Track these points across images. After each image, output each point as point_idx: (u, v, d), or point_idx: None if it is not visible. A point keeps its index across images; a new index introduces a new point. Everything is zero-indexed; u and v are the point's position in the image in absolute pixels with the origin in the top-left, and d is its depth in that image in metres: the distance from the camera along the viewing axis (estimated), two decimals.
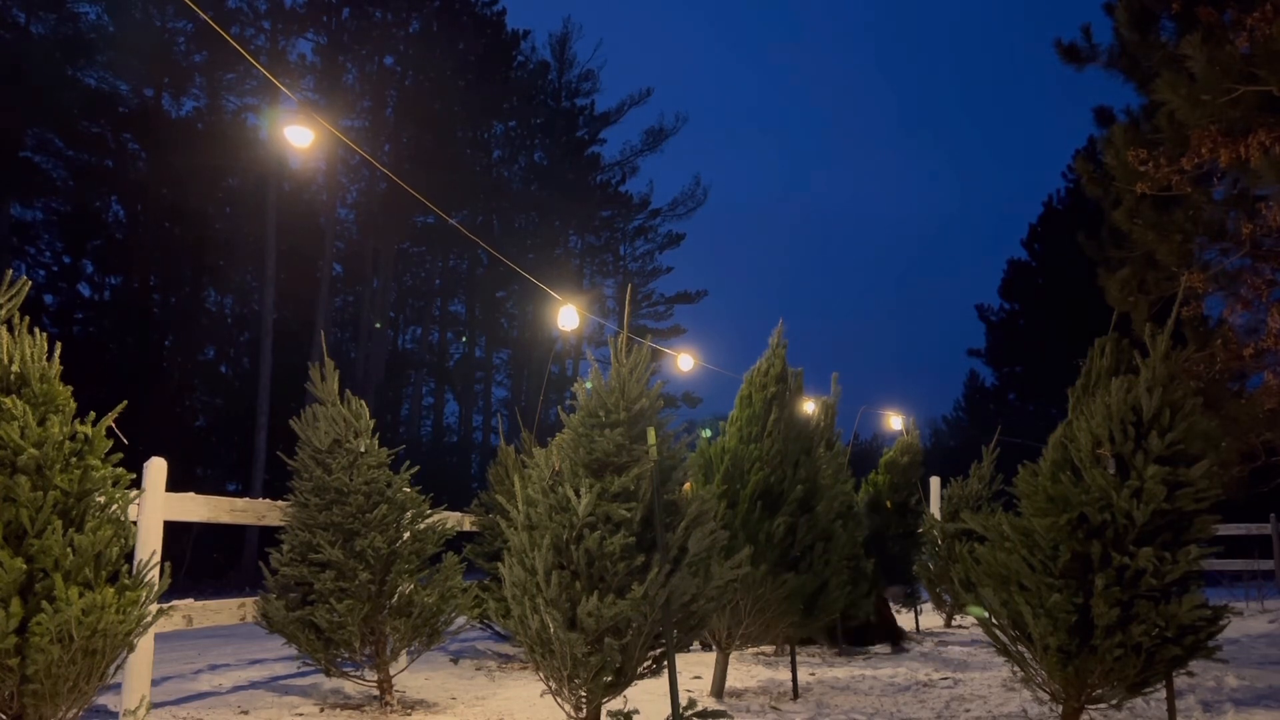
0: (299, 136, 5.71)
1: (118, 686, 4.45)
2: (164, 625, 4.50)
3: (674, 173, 42.28)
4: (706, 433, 6.69)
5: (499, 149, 36.73)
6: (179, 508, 4.85)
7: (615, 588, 3.78)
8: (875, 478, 10.27)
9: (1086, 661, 3.99)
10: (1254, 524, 12.61)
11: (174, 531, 5.24)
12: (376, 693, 5.36)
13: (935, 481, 11.74)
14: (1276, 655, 7.40)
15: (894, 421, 12.64)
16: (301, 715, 5.12)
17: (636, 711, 4.12)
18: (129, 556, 3.53)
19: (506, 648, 7.83)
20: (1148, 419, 4.04)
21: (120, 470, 3.55)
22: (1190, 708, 5.14)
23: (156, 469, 4.69)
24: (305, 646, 5.03)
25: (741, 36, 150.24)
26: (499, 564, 4.19)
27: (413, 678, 6.33)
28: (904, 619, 11.17)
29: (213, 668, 6.81)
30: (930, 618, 11.19)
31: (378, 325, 28.38)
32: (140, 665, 4.49)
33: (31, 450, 3.22)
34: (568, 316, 8.30)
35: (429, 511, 5.46)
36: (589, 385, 4.15)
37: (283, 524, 5.23)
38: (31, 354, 3.41)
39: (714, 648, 5.76)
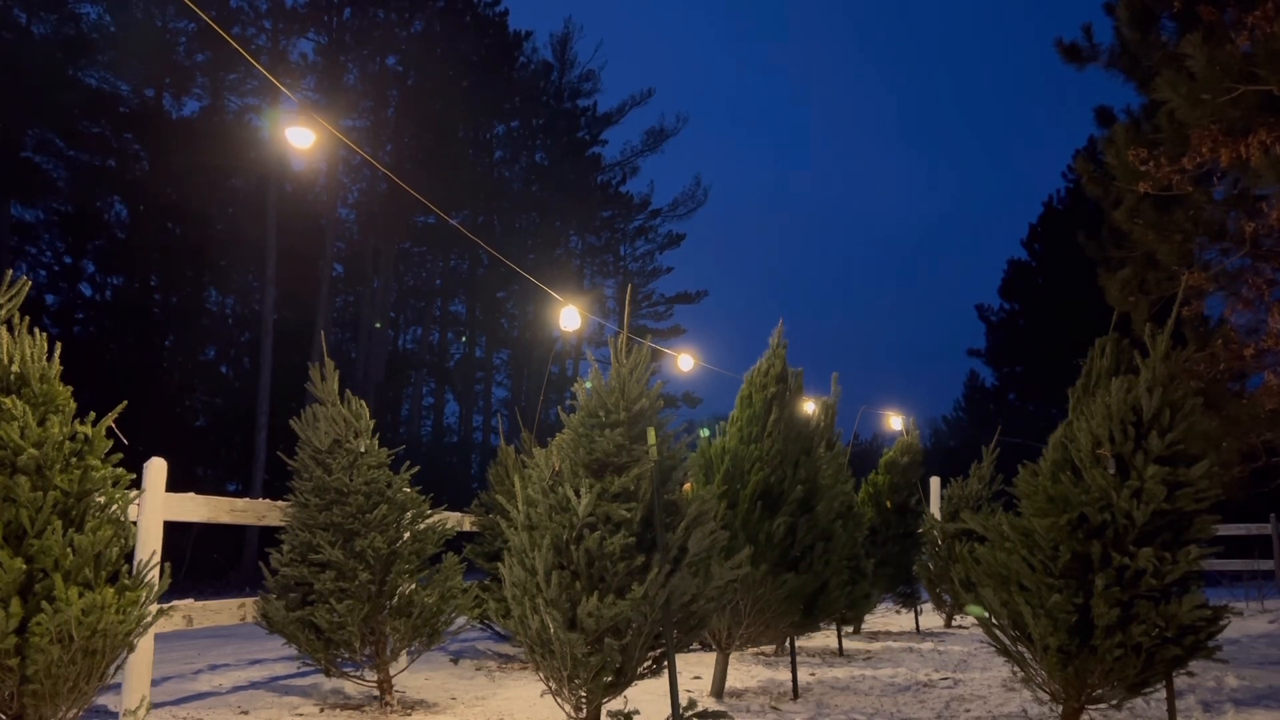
0: (300, 137, 5.71)
1: (118, 686, 4.45)
2: (164, 625, 4.50)
3: (674, 173, 42.33)
4: (706, 433, 6.69)
5: (500, 149, 36.75)
6: (179, 508, 4.85)
7: (615, 588, 3.78)
8: (875, 478, 10.27)
9: (1086, 661, 3.99)
10: (1254, 524, 12.61)
11: (174, 531, 5.24)
12: (376, 693, 5.36)
13: (935, 481, 11.74)
14: (1276, 655, 7.40)
15: (894, 421, 12.64)
16: (301, 715, 5.12)
17: (637, 712, 4.12)
18: (129, 556, 3.54)
19: (506, 648, 7.83)
20: (1148, 419, 4.04)
21: (120, 470, 3.55)
22: (1190, 708, 5.14)
23: (156, 469, 4.69)
24: (305, 647, 5.03)
25: (742, 36, 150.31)
26: (499, 564, 4.19)
27: (413, 678, 6.33)
28: (904, 619, 11.18)
29: (213, 668, 6.81)
30: (930, 618, 11.19)
31: (378, 325, 28.38)
32: (140, 665, 4.49)
33: (31, 450, 3.22)
34: (568, 317, 8.30)
35: (429, 512, 5.47)
36: (589, 385, 4.15)
37: (283, 524, 5.23)
38: (31, 354, 3.42)
39: (714, 648, 5.76)
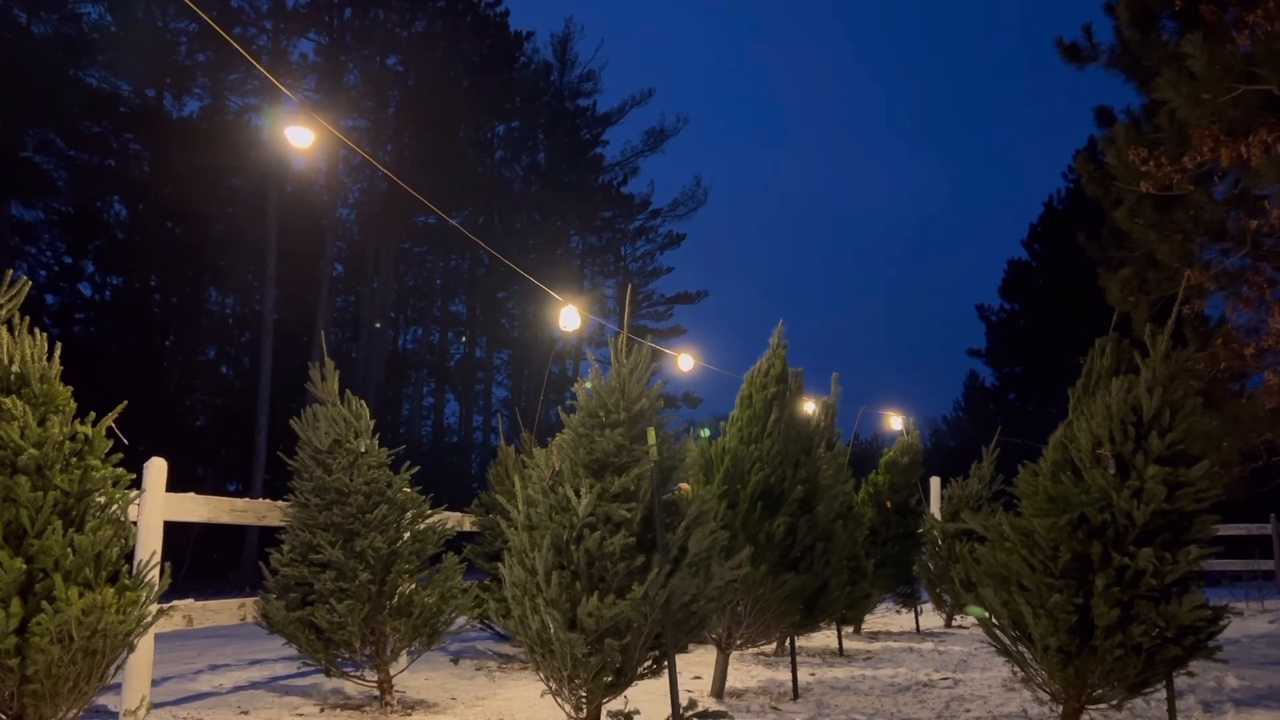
0: (300, 137, 5.71)
1: (118, 686, 4.45)
2: (164, 625, 4.50)
3: (675, 173, 42.30)
4: (705, 433, 6.69)
5: (501, 149, 36.75)
6: (179, 508, 4.85)
7: (615, 588, 3.78)
8: (875, 478, 10.27)
9: (1087, 662, 3.98)
10: (1254, 524, 12.61)
11: (174, 531, 5.24)
12: (377, 693, 5.36)
13: (935, 481, 11.74)
14: (1276, 655, 7.40)
15: (894, 421, 12.64)
16: (301, 715, 5.12)
17: (637, 711, 4.12)
18: (129, 557, 3.54)
19: (506, 648, 7.83)
20: (1148, 419, 4.04)
21: (120, 470, 3.55)
22: (1190, 708, 5.14)
23: (156, 469, 4.69)
24: (305, 647, 5.03)
25: (742, 36, 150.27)
26: (499, 564, 4.19)
27: (413, 678, 6.33)
28: (904, 619, 11.18)
29: (213, 668, 6.81)
30: (930, 618, 11.19)
31: (378, 325, 28.38)
32: (140, 665, 4.49)
33: (31, 450, 3.22)
34: (569, 317, 8.30)
35: (429, 512, 5.47)
36: (589, 385, 4.15)
37: (283, 524, 5.23)
38: (32, 354, 3.42)
39: (715, 648, 5.76)
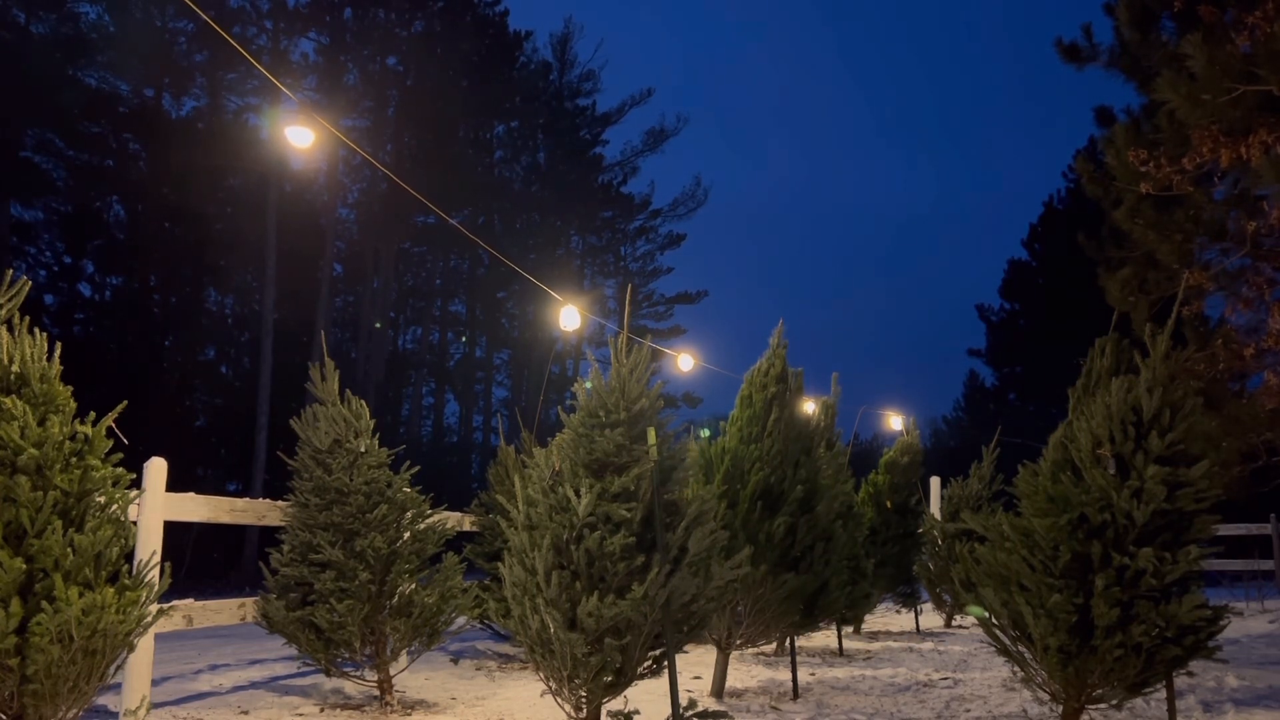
0: (300, 137, 5.71)
1: (118, 686, 4.45)
2: (164, 625, 4.50)
3: (675, 173, 42.29)
4: (705, 433, 6.69)
5: (500, 149, 36.75)
6: (179, 508, 4.85)
7: (615, 588, 3.78)
8: (875, 478, 10.27)
9: (1087, 662, 3.99)
10: (1254, 524, 12.61)
11: (174, 531, 5.24)
12: (376, 693, 5.36)
13: (935, 481, 11.74)
14: (1276, 655, 7.40)
15: (894, 421, 12.63)
16: (301, 715, 5.12)
17: (637, 711, 4.12)
18: (129, 556, 3.54)
19: (506, 648, 7.83)
20: (1148, 419, 4.04)
21: (120, 470, 3.55)
22: (1190, 708, 5.14)
23: (156, 469, 4.69)
24: (305, 646, 5.03)
25: (742, 36, 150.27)
26: (499, 564, 4.19)
27: (413, 678, 6.33)
28: (904, 619, 11.18)
29: (213, 668, 6.81)
30: (930, 618, 11.19)
31: (378, 325, 28.38)
32: (140, 665, 4.49)
33: (31, 450, 3.22)
34: (569, 317, 8.29)
35: (429, 511, 5.46)
36: (589, 385, 4.15)
37: (283, 524, 5.23)
38: (31, 354, 3.41)
39: (715, 648, 5.76)
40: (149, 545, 4.49)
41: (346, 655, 5.14)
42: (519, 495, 4.15)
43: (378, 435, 5.38)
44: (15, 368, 3.37)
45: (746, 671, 6.86)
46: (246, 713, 5.14)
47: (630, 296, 5.24)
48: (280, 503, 5.41)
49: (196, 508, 4.98)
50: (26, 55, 19.73)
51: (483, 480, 8.21)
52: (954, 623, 10.81)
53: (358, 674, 5.31)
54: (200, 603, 5.09)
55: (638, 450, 3.99)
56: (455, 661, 7.26)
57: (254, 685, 6.08)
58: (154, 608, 3.57)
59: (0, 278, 3.51)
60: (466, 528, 7.53)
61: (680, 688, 4.10)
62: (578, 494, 3.88)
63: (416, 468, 5.50)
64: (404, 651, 5.32)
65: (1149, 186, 6.52)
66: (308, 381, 5.33)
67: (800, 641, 8.34)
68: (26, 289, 3.55)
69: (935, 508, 11.35)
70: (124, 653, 3.46)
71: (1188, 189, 6.51)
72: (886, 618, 11.44)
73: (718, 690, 5.71)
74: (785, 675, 6.52)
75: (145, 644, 4.50)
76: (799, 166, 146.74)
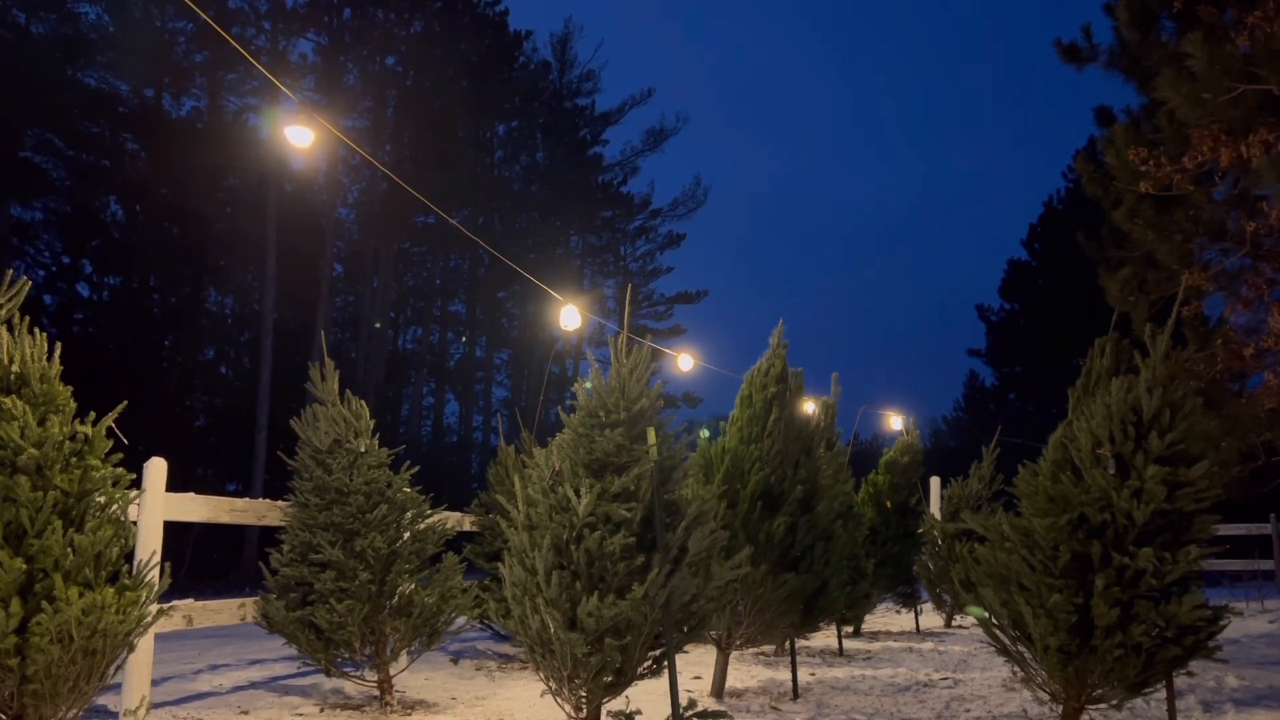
0: (299, 137, 5.70)
1: (118, 686, 4.45)
2: (164, 625, 4.50)
3: (674, 173, 42.33)
4: (705, 433, 6.69)
5: (500, 149, 36.76)
6: (179, 508, 4.85)
7: (615, 588, 3.78)
8: (875, 478, 10.27)
9: (1087, 661, 3.99)
10: (1254, 524, 12.61)
11: (174, 531, 5.24)
12: (376, 693, 5.36)
13: (935, 481, 11.73)
14: (1276, 655, 7.40)
15: (894, 421, 12.64)
16: (301, 715, 5.12)
17: (637, 712, 4.12)
18: (129, 556, 3.54)
19: (506, 648, 7.83)
20: (1148, 419, 4.04)
21: (120, 470, 3.55)
22: (1190, 708, 5.14)
23: (156, 469, 4.69)
24: (305, 646, 5.03)
25: (742, 35, 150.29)
26: (499, 564, 4.19)
27: (413, 678, 6.33)
28: (904, 619, 11.18)
29: (213, 668, 6.81)
30: (930, 618, 11.19)
31: (378, 325, 28.38)
32: (140, 665, 4.49)
33: (31, 450, 3.22)
34: (568, 317, 8.29)
35: (429, 511, 5.46)
36: (589, 385, 4.15)
37: (283, 524, 5.23)
38: (31, 354, 3.41)
39: (715, 648, 5.76)
40: (149, 545, 4.49)
41: (346, 655, 5.14)
42: (519, 495, 4.15)
43: (378, 435, 5.38)
44: (15, 368, 3.37)
45: (746, 671, 6.86)
46: (246, 713, 5.14)
47: (630, 296, 5.24)
48: (280, 503, 5.41)
49: (196, 508, 4.98)
50: (26, 55, 19.72)
51: (483, 480, 8.21)
52: (954, 623, 10.81)
53: (358, 674, 5.31)
54: (200, 603, 5.09)
55: (638, 450, 3.99)
56: (455, 661, 7.26)
57: (254, 685, 6.08)
58: (154, 608, 3.57)
59: (0, 278, 3.50)
60: (466, 528, 7.53)
61: (680, 688, 4.10)
62: (578, 494, 3.88)
63: (416, 468, 5.50)
64: (404, 651, 5.32)
65: (1149, 186, 6.51)
66: (308, 381, 5.32)
67: (800, 642, 8.34)
68: (26, 289, 3.55)
69: (935, 508, 11.35)
70: (124, 653, 3.46)
71: (1188, 189, 6.50)
72: (886, 618, 11.44)
73: (718, 690, 5.71)
74: (785, 675, 6.52)
75: (145, 644, 4.50)
76: (798, 166, 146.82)
